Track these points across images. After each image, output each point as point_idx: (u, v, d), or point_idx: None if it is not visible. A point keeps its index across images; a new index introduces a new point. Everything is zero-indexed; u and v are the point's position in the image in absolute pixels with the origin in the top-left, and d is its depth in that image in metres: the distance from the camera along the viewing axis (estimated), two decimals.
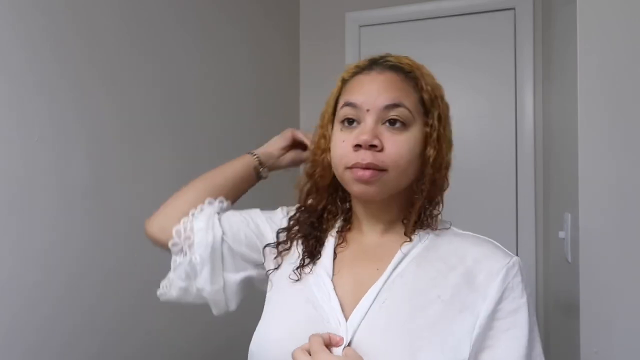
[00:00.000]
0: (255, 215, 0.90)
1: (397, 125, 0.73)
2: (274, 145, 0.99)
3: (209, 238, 0.85)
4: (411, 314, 0.69)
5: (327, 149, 0.79)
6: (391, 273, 0.73)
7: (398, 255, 0.75)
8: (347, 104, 0.75)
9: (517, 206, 2.21)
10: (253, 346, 0.78)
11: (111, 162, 1.42)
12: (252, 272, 0.88)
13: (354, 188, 0.74)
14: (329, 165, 0.79)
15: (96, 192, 1.37)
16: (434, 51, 2.35)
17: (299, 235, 0.83)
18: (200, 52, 1.82)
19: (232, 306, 0.91)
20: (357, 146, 0.72)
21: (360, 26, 2.50)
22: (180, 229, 0.87)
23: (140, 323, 1.51)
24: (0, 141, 1.13)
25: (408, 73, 0.76)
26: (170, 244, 0.87)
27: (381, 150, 0.71)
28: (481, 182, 2.23)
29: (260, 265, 0.87)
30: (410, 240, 0.77)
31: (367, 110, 0.73)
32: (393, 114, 0.72)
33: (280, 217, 0.89)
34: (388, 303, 0.71)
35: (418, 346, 0.66)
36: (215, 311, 0.91)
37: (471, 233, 0.80)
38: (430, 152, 0.75)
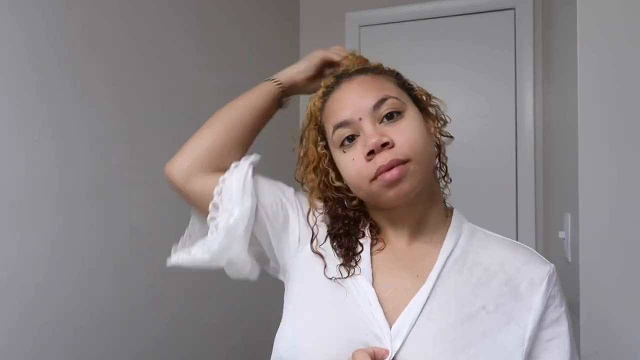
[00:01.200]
0: (287, 199, 0.82)
1: (394, 116, 0.71)
2: (300, 75, 0.90)
3: (247, 205, 0.76)
4: (459, 326, 0.67)
5: (325, 170, 0.79)
6: (435, 281, 0.70)
7: (439, 263, 0.72)
8: (338, 126, 0.73)
9: (517, 206, 2.21)
10: (283, 353, 0.71)
11: (112, 162, 1.42)
12: (263, 248, 0.82)
13: (389, 194, 0.70)
14: (333, 185, 0.78)
15: (97, 192, 1.37)
16: (434, 51, 2.35)
17: (337, 231, 0.77)
18: (200, 52, 1.82)
19: (255, 275, 0.82)
20: (370, 153, 0.69)
21: (360, 26, 2.50)
22: (221, 189, 0.79)
23: (145, 323, 1.51)
24: (0, 141, 1.13)
25: (374, 69, 0.78)
26: (210, 205, 0.78)
27: (393, 145, 0.69)
28: (481, 182, 2.23)
29: (271, 248, 0.81)
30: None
31: (360, 119, 0.71)
32: (384, 108, 0.71)
33: (307, 207, 0.82)
34: (435, 313, 0.68)
35: (467, 358, 0.65)
36: (234, 276, 0.82)
37: (500, 236, 0.79)
38: (431, 124, 0.77)
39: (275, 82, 0.89)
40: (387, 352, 0.65)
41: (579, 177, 1.14)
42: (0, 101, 1.13)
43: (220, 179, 0.80)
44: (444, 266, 0.72)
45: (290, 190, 0.84)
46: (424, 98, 0.79)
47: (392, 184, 0.69)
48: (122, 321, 1.43)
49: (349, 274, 0.73)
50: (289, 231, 0.80)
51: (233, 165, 0.82)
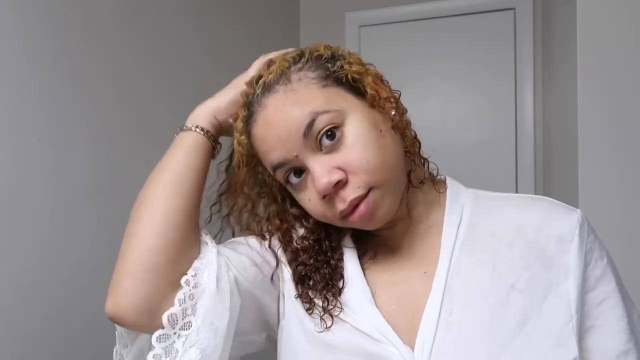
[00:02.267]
0: (255, 253, 0.67)
1: (334, 134, 0.56)
2: (228, 110, 0.69)
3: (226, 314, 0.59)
4: (491, 321, 0.55)
5: (275, 196, 0.66)
6: (447, 274, 0.59)
7: (445, 250, 0.60)
8: (275, 168, 0.59)
9: None
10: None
11: (111, 162, 1.42)
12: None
13: (366, 226, 0.59)
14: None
15: (96, 192, 1.37)
16: (434, 51, 2.35)
17: (305, 267, 0.64)
18: (200, 52, 1.82)
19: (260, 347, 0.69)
20: (325, 196, 0.57)
21: (360, 26, 2.50)
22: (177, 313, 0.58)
23: None
24: (0, 141, 1.13)
25: (279, 77, 0.59)
26: (155, 336, 0.58)
27: (347, 179, 0.56)
28: (481, 182, 2.22)
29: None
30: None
31: (296, 156, 0.57)
32: (317, 131, 0.56)
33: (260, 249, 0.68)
34: (457, 315, 0.56)
35: (514, 355, 0.53)
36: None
37: (511, 193, 0.66)
38: (384, 110, 0.60)
39: (197, 129, 0.69)
40: None
41: (579, 177, 1.14)
42: (1, 101, 1.13)
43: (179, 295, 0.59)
44: (452, 252, 0.60)
45: (250, 242, 0.69)
46: (360, 77, 0.60)
47: (366, 221, 0.58)
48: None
49: (339, 307, 0.60)
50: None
51: (191, 271, 0.61)
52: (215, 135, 0.69)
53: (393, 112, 0.60)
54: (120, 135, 1.45)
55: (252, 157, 0.64)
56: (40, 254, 1.21)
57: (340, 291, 0.62)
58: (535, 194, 2.18)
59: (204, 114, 0.71)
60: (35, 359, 1.20)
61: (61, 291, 1.26)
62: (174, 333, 0.57)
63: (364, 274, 0.63)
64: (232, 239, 0.70)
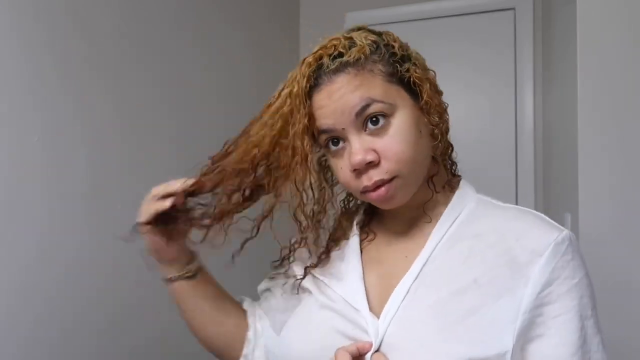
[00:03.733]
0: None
1: (380, 122, 0.65)
2: (160, 255, 0.84)
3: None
4: (446, 303, 0.63)
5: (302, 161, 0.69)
6: (426, 260, 0.67)
7: (430, 240, 0.68)
8: (322, 132, 0.68)
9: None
10: (271, 346, 0.75)
11: (111, 163, 1.42)
12: None
13: (381, 205, 0.69)
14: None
15: (96, 192, 1.37)
16: (434, 51, 2.32)
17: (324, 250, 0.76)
18: (200, 52, 1.82)
19: None
20: (356, 170, 0.65)
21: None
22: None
23: (140, 324, 1.51)
24: (0, 141, 1.13)
25: (356, 62, 0.66)
26: None
27: (378, 162, 0.65)
28: (481, 182, 2.22)
29: None
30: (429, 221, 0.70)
31: (343, 129, 0.66)
32: (368, 113, 0.64)
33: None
34: (421, 293, 0.64)
35: (455, 338, 0.60)
36: None
37: (513, 205, 0.71)
38: (428, 117, 0.68)
39: (168, 280, 0.83)
40: (370, 345, 0.62)
41: (579, 177, 1.14)
42: (2, 101, 1.13)
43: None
44: (437, 245, 0.68)
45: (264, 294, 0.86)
46: (420, 83, 0.68)
47: (381, 201, 0.67)
48: (116, 321, 1.43)
49: (332, 275, 0.72)
50: None
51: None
52: (187, 262, 0.84)
53: (437, 119, 0.69)
54: (120, 136, 1.45)
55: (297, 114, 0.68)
56: (39, 253, 1.21)
57: (326, 256, 0.74)
58: (535, 194, 2.18)
59: (163, 264, 0.84)
60: (30, 357, 1.20)
61: (59, 291, 1.26)
62: None
63: (362, 252, 0.73)
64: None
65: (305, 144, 0.67)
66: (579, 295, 0.62)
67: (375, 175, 0.65)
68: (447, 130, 0.71)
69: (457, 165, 0.77)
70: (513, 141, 2.23)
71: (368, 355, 0.62)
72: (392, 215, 0.74)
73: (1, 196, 1.13)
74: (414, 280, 0.65)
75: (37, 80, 1.22)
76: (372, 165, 0.65)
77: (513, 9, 2.25)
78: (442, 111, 0.70)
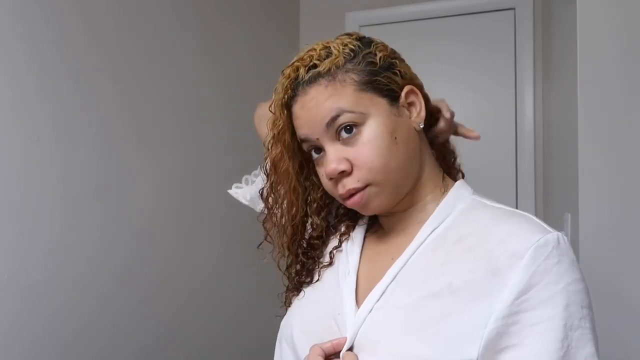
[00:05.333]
0: None
1: (353, 131, 0.66)
2: None
3: None
4: (416, 307, 0.62)
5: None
6: (406, 262, 0.67)
7: (412, 244, 0.68)
8: (302, 141, 0.72)
9: (517, 206, 2.21)
10: (284, 333, 0.77)
11: (112, 162, 1.42)
12: None
13: (360, 212, 0.72)
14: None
15: (97, 192, 1.37)
16: (434, 51, 2.35)
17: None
18: (201, 52, 1.82)
19: None
20: (332, 179, 0.68)
21: (360, 26, 2.50)
22: None
23: (146, 322, 1.51)
24: (1, 141, 1.13)
25: (327, 72, 0.67)
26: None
27: (351, 172, 0.67)
28: (481, 182, 2.22)
29: None
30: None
31: (317, 139, 0.68)
32: (339, 124, 0.66)
33: None
34: (394, 295, 0.65)
35: (420, 342, 0.59)
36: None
37: (507, 207, 0.69)
38: (409, 113, 0.70)
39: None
40: (344, 342, 0.64)
41: (579, 177, 1.14)
42: (2, 100, 1.13)
43: None
44: (418, 248, 0.67)
45: None
46: (400, 87, 0.70)
47: (358, 208, 0.69)
48: (123, 320, 1.43)
49: (331, 263, 0.75)
50: None
51: None
52: None
53: (421, 125, 0.70)
54: (121, 136, 1.46)
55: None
56: (41, 254, 1.21)
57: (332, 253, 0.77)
58: (535, 194, 2.18)
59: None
60: (38, 356, 1.20)
61: (63, 290, 1.26)
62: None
63: (364, 242, 0.76)
64: None
65: (285, 148, 0.73)
66: (564, 302, 0.57)
67: (348, 184, 0.67)
68: (442, 137, 0.75)
69: (457, 170, 0.79)
70: (513, 141, 2.23)
71: (342, 353, 0.64)
72: (383, 218, 0.76)
73: (2, 196, 1.13)
74: (391, 282, 0.66)
75: (38, 80, 1.22)
76: (345, 174, 0.67)
77: (513, 9, 2.25)
78: (428, 117, 0.72)
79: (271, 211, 0.78)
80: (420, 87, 0.73)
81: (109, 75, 1.42)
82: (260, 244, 0.79)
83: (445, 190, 0.73)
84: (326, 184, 0.71)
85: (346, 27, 2.50)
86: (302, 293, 0.76)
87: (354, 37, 0.71)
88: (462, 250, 0.64)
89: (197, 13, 1.80)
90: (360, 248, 0.75)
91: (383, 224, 0.76)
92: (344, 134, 0.66)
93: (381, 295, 0.65)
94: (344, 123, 0.66)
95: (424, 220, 0.70)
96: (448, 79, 2.30)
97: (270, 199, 0.78)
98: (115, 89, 1.44)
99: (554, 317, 0.56)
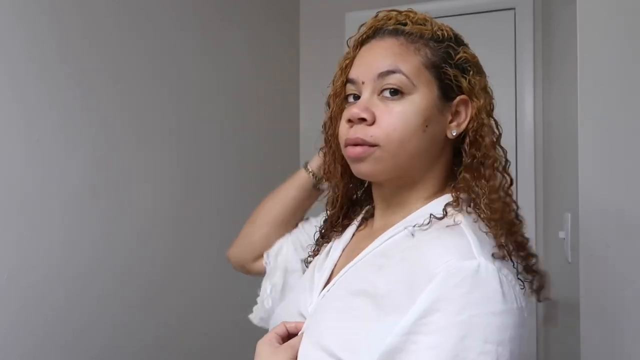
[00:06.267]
0: (301, 239, 0.93)
1: (395, 93, 0.67)
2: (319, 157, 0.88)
3: (277, 278, 0.92)
4: (345, 302, 0.65)
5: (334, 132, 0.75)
6: (361, 259, 0.69)
7: (376, 241, 0.69)
8: (347, 81, 0.72)
9: (517, 206, 2.21)
10: (265, 314, 0.91)
11: (112, 162, 1.42)
12: None
13: (352, 167, 0.71)
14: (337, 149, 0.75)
15: (97, 192, 1.37)
16: None
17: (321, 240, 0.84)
18: (201, 52, 1.82)
19: None
20: (349, 121, 0.68)
21: (360, 26, 2.49)
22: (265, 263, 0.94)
23: (146, 321, 1.51)
24: (0, 141, 1.13)
25: (410, 34, 0.70)
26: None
27: (372, 123, 0.66)
28: None
29: None
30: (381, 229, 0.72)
31: (363, 83, 0.69)
32: (387, 82, 0.67)
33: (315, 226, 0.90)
34: (336, 288, 0.69)
35: (334, 336, 0.62)
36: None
37: (469, 228, 0.64)
38: (451, 118, 0.69)
39: (307, 169, 0.91)
40: (300, 325, 0.70)
41: (579, 177, 1.14)
42: (2, 101, 1.13)
43: (265, 254, 0.94)
44: (375, 249, 0.68)
45: (308, 224, 0.95)
46: (460, 90, 0.70)
47: (352, 160, 0.69)
48: (123, 320, 1.43)
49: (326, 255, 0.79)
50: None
51: (276, 245, 0.94)
52: (320, 176, 0.88)
53: (454, 132, 0.70)
54: (121, 136, 1.46)
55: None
56: (40, 253, 1.22)
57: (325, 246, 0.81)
58: (535, 194, 2.18)
59: (315, 162, 0.90)
60: (38, 356, 1.20)
61: (62, 290, 1.26)
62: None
63: (352, 239, 0.78)
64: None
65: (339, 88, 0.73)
66: (461, 334, 0.54)
67: (360, 133, 0.67)
68: (487, 139, 0.74)
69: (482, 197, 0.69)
70: (513, 141, 2.23)
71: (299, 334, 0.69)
72: (377, 209, 0.77)
73: (1, 196, 1.13)
74: (344, 274, 0.69)
75: (38, 80, 1.22)
76: (363, 122, 0.67)
77: (513, 9, 2.25)
78: (479, 138, 0.72)
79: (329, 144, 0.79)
80: (484, 109, 0.75)
81: (109, 75, 1.42)
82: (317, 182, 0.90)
83: (442, 198, 0.71)
84: (342, 126, 0.70)
85: (346, 27, 2.50)
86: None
87: (453, 31, 0.75)
88: (399, 260, 0.64)
89: (197, 13, 1.80)
90: (345, 244, 0.78)
91: (374, 219, 0.77)
92: (386, 93, 0.67)
93: (332, 286, 0.70)
94: (394, 83, 0.67)
95: (399, 219, 0.70)
96: None
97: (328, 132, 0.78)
98: (116, 89, 1.44)
99: (443, 347, 0.54)
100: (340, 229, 0.81)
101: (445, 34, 0.72)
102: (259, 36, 2.19)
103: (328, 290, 0.70)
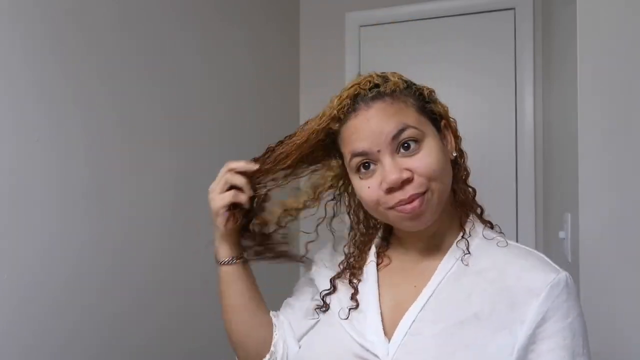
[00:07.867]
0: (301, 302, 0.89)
1: (412, 146, 0.71)
2: (217, 241, 0.88)
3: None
4: (448, 334, 0.68)
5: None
6: (433, 292, 0.72)
7: (437, 274, 0.74)
8: (356, 155, 0.73)
9: (517, 206, 2.21)
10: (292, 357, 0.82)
11: (111, 163, 1.42)
12: None
13: (407, 224, 0.73)
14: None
15: (96, 192, 1.37)
16: (433, 51, 2.35)
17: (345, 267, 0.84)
18: (200, 52, 1.82)
19: None
20: (390, 190, 0.70)
21: (360, 26, 2.50)
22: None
23: (140, 322, 1.51)
24: (0, 141, 1.13)
25: (392, 92, 0.73)
26: None
27: (412, 178, 0.70)
28: (481, 182, 2.22)
29: None
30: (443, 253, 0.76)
31: (379, 151, 0.71)
32: (403, 138, 0.71)
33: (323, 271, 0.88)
34: (425, 323, 0.70)
35: None
36: None
37: (517, 244, 0.77)
38: (447, 142, 0.77)
39: (224, 261, 0.86)
40: None
41: (579, 177, 1.14)
42: (0, 101, 1.13)
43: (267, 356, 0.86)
44: (444, 277, 0.73)
45: (300, 291, 0.91)
46: (441, 117, 0.78)
47: (413, 216, 0.71)
48: (117, 320, 1.43)
49: (356, 303, 0.77)
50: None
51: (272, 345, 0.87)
52: (239, 253, 0.87)
53: (454, 154, 0.78)
54: (120, 137, 1.45)
55: (325, 135, 0.77)
56: (39, 253, 1.21)
57: (357, 286, 0.80)
58: (535, 194, 2.18)
59: (222, 247, 0.87)
60: (33, 356, 1.19)
61: (59, 291, 1.26)
62: None
63: (378, 276, 0.79)
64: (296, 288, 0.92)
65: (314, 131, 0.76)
66: (572, 334, 0.67)
67: (410, 190, 0.69)
68: (465, 175, 0.81)
69: (477, 204, 0.83)
70: (513, 141, 2.23)
71: None
72: (405, 243, 0.80)
73: (1, 196, 1.13)
74: (420, 310, 0.71)
75: (38, 80, 1.22)
76: (406, 182, 0.70)
77: (513, 9, 2.25)
78: (460, 154, 0.80)
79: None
80: (452, 122, 0.80)
81: (108, 75, 1.42)
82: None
83: (461, 222, 0.79)
84: (373, 194, 0.72)
85: (346, 27, 2.50)
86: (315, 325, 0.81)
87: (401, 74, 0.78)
88: (486, 283, 0.71)
89: (197, 13, 1.80)
90: (376, 282, 0.79)
91: (402, 252, 0.81)
92: (402, 150, 0.71)
93: (412, 323, 0.70)
94: (409, 137, 0.70)
95: (445, 250, 0.76)
96: (448, 79, 2.30)
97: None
98: (113, 89, 1.44)
99: (565, 346, 0.67)
100: (358, 270, 0.82)
101: (404, 80, 0.77)
102: (259, 36, 2.19)
103: (409, 328, 0.70)
